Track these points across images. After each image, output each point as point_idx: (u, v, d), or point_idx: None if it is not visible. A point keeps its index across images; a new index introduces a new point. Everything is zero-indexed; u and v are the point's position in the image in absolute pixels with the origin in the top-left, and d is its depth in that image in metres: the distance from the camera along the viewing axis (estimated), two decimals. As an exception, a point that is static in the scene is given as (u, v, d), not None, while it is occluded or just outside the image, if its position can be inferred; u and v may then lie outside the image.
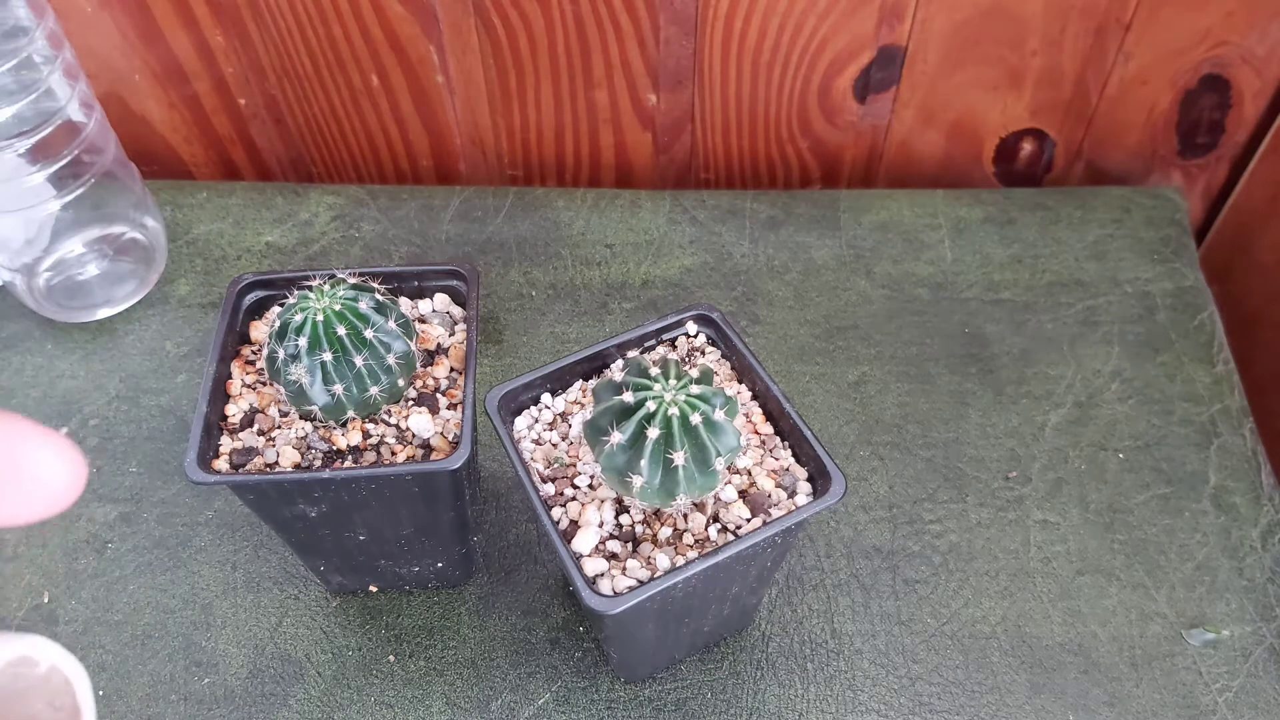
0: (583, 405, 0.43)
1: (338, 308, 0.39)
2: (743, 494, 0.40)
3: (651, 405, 0.36)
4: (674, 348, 0.45)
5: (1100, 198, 0.69)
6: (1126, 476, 0.55)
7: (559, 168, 0.75)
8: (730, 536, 0.39)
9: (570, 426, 0.43)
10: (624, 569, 0.38)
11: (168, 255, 0.65)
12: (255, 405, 0.43)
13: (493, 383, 0.45)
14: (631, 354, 0.44)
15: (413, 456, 0.41)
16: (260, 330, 0.45)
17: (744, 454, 0.41)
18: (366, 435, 0.42)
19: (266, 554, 0.51)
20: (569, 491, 0.41)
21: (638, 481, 0.36)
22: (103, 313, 0.61)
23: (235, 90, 0.70)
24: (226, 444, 0.42)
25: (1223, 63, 0.67)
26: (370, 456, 0.41)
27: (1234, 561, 0.51)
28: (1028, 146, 0.73)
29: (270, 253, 0.65)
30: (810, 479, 0.41)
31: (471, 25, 0.65)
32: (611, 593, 0.37)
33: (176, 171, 0.75)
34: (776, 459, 0.42)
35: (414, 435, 0.42)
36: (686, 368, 0.41)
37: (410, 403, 0.43)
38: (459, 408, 0.43)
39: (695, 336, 0.45)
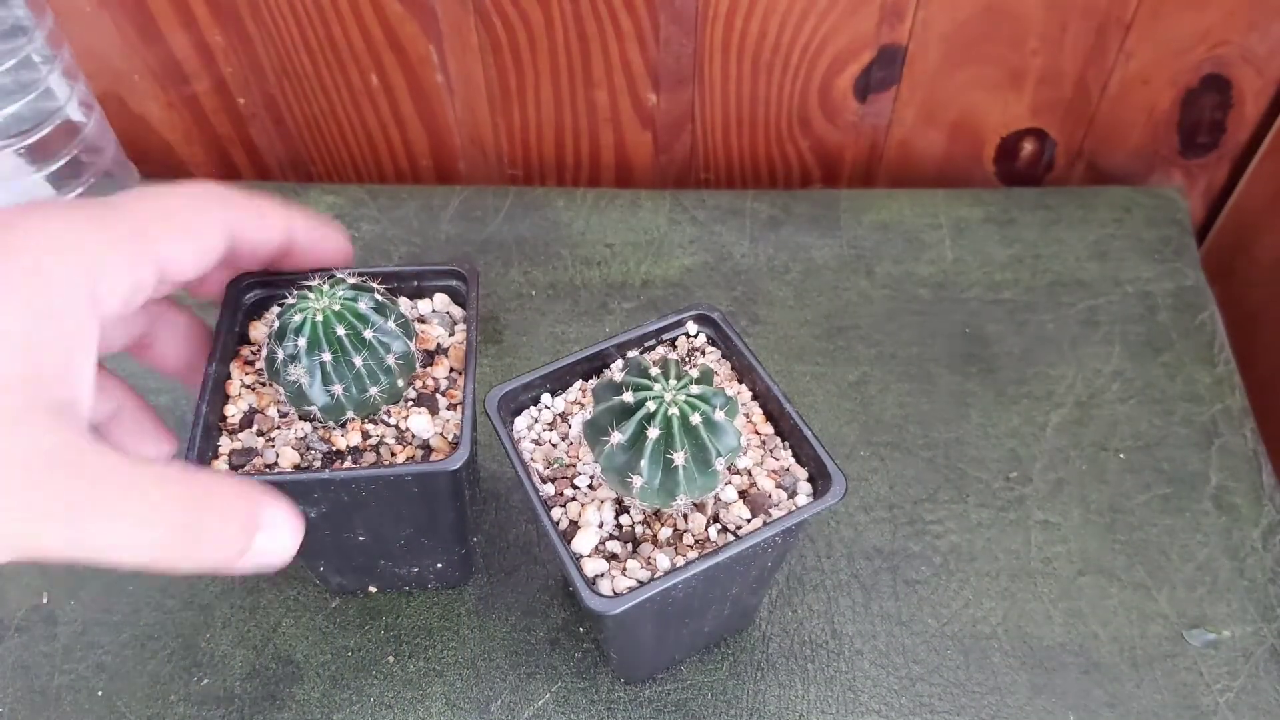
0: (583, 405, 0.43)
1: (337, 308, 0.39)
2: (743, 494, 0.40)
3: (651, 405, 0.36)
4: (674, 348, 0.45)
5: (1101, 197, 0.69)
6: (1127, 477, 0.55)
7: (559, 167, 0.75)
8: (730, 537, 0.39)
9: (570, 426, 0.43)
10: (624, 569, 0.38)
11: (167, 255, 0.65)
12: (254, 406, 0.43)
13: (492, 383, 0.45)
14: (631, 354, 0.44)
15: (412, 457, 0.41)
16: (259, 330, 0.45)
17: (744, 454, 0.41)
18: (366, 436, 0.42)
19: (266, 554, 0.51)
20: (569, 492, 0.41)
21: (638, 482, 0.36)
22: (102, 313, 0.61)
23: (234, 90, 0.70)
24: (225, 444, 0.41)
25: (1224, 62, 0.66)
26: (370, 457, 0.41)
27: (1235, 562, 0.51)
28: (1028, 146, 0.73)
29: (270, 252, 0.65)
30: (811, 479, 0.41)
31: (471, 25, 0.65)
32: (611, 593, 0.37)
33: (176, 171, 0.75)
34: (777, 459, 0.42)
35: (413, 436, 0.42)
36: (686, 368, 0.41)
37: (410, 403, 0.43)
38: (458, 408, 0.43)
39: (695, 336, 0.45)
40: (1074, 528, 0.53)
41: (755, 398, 0.43)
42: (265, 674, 0.47)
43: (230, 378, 0.43)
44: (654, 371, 0.37)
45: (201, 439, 0.40)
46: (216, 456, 0.41)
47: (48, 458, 0.28)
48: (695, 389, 0.37)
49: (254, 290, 0.45)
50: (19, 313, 0.29)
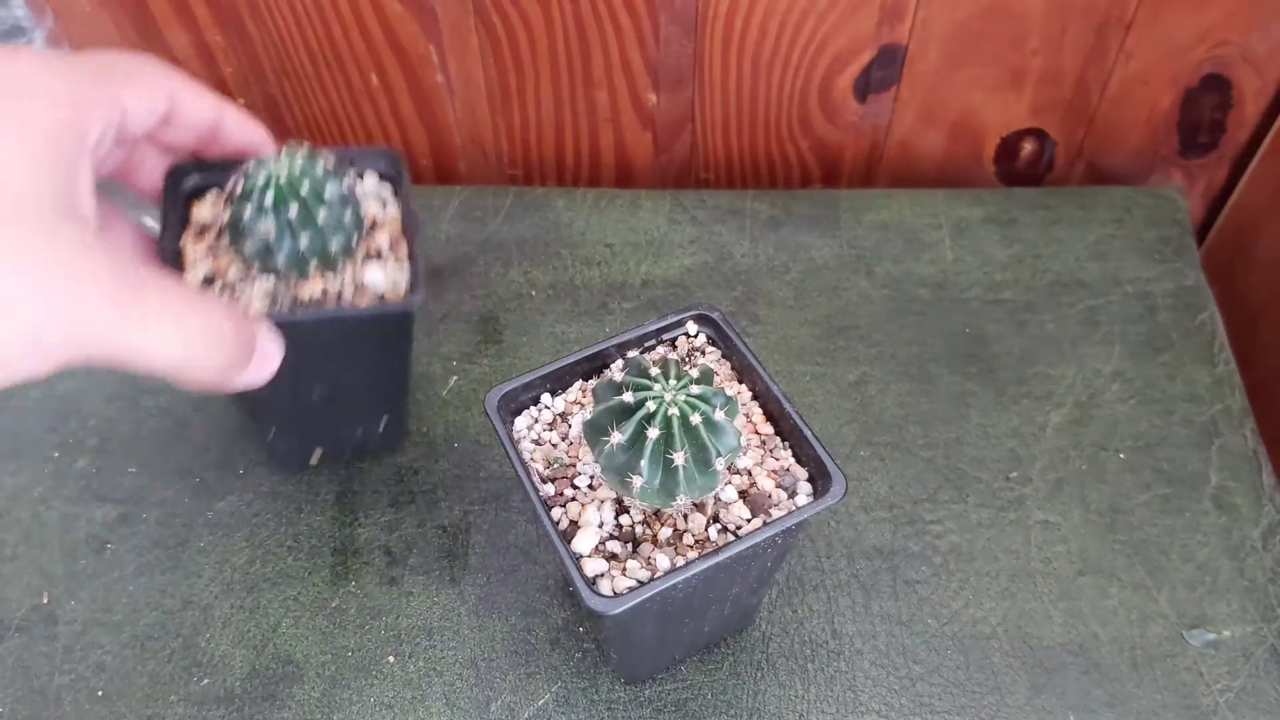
0: (583, 405, 0.43)
1: (299, 171, 0.42)
2: (743, 494, 0.40)
3: (651, 405, 0.36)
4: (674, 348, 0.45)
5: (1101, 197, 0.69)
6: (1127, 477, 0.55)
7: (559, 167, 0.75)
8: (730, 537, 0.39)
9: (570, 426, 0.43)
10: (624, 569, 0.38)
11: (167, 255, 0.65)
12: (212, 271, 0.45)
13: (493, 383, 0.45)
14: (631, 354, 0.44)
15: (370, 304, 0.45)
16: (203, 210, 0.47)
17: (744, 454, 0.41)
18: (325, 288, 0.45)
19: (266, 554, 0.51)
20: (569, 492, 0.41)
21: (638, 482, 0.36)
22: (102, 312, 0.61)
23: (234, 90, 0.70)
24: None
25: (1224, 62, 0.66)
26: (332, 305, 0.45)
27: (1235, 562, 0.51)
28: (1028, 146, 0.73)
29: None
30: (811, 479, 0.41)
31: (471, 25, 0.65)
32: (611, 593, 0.37)
33: (176, 171, 0.75)
34: (777, 459, 0.42)
35: (369, 287, 0.45)
36: (686, 368, 0.41)
37: (363, 259, 0.46)
38: (403, 264, 0.46)
39: (695, 336, 0.45)
40: (1074, 528, 0.53)
41: (755, 398, 0.43)
42: (265, 674, 0.47)
43: (183, 249, 0.45)
44: (654, 371, 0.37)
45: None
46: None
47: (93, 258, 0.30)
48: (695, 389, 0.37)
49: (191, 176, 0.47)
50: (35, 136, 0.31)
